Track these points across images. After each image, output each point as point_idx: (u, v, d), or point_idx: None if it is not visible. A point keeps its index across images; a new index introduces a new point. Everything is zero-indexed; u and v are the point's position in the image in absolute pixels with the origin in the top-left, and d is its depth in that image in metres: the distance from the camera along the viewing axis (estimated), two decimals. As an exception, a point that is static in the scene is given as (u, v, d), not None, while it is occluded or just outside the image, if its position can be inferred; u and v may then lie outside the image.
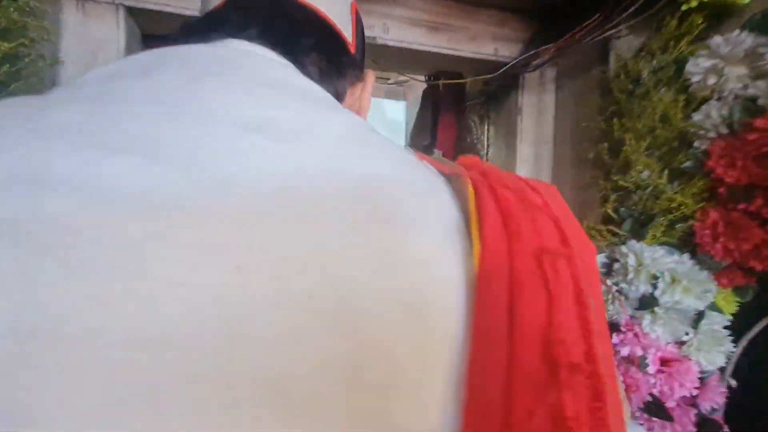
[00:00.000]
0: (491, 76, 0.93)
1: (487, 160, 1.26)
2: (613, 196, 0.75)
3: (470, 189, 0.19)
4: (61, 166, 0.15)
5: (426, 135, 1.56)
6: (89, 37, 0.75)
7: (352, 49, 0.32)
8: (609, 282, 0.73)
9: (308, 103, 0.21)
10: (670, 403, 0.69)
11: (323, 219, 0.16)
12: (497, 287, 0.16)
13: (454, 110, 1.40)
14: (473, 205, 0.18)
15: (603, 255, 0.75)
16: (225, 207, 0.15)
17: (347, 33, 0.31)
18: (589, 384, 0.15)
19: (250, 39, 0.25)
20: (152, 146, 0.16)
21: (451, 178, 0.21)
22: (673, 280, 0.68)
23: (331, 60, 0.29)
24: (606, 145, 0.76)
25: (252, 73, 0.22)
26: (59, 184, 0.14)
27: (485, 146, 1.26)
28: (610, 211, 0.75)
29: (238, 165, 0.16)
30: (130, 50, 0.79)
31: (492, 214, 0.18)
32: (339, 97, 0.29)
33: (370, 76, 0.34)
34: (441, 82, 1.20)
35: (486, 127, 1.25)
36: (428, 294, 0.16)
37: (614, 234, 0.74)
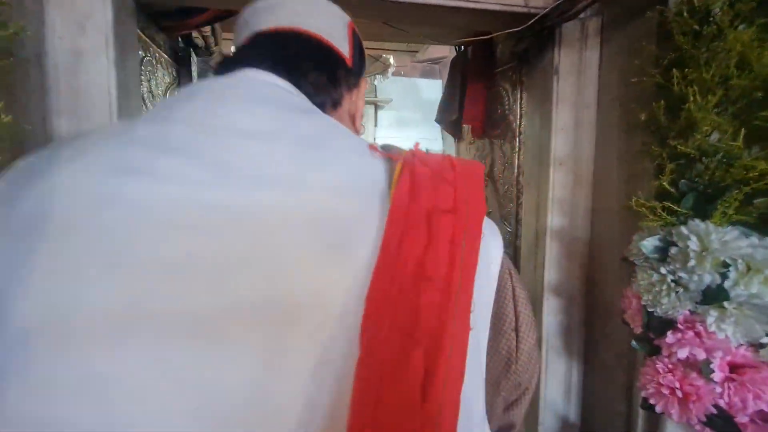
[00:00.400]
0: (522, 28, 0.79)
1: (520, 132, 1.12)
2: (670, 166, 0.61)
3: (398, 167, 0.28)
4: (140, 160, 0.25)
5: (454, 109, 1.42)
6: (76, 9, 0.70)
7: (349, 63, 0.41)
8: (663, 270, 0.60)
9: (291, 113, 0.31)
10: (741, 418, 0.56)
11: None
12: (395, 230, 0.25)
13: (483, 79, 1.26)
14: (395, 178, 0.27)
15: (656, 237, 0.62)
16: (234, 180, 0.25)
17: (344, 50, 0.41)
18: (440, 289, 0.24)
19: (263, 69, 0.35)
20: (188, 150, 0.26)
21: (391, 160, 0.29)
22: (749, 269, 0.54)
23: (329, 75, 0.38)
24: (662, 103, 0.62)
25: (252, 94, 0.32)
26: (141, 173, 0.25)
27: (518, 116, 1.12)
28: (666, 183, 0.61)
29: (238, 159, 0.26)
30: (119, 22, 0.74)
31: (405, 184, 0.27)
32: (336, 103, 0.39)
33: (364, 82, 0.45)
34: (467, 40, 1.06)
35: (519, 95, 1.10)
36: (353, 239, 0.25)
37: (671, 212, 0.61)
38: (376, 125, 4.32)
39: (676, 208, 0.60)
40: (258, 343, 0.22)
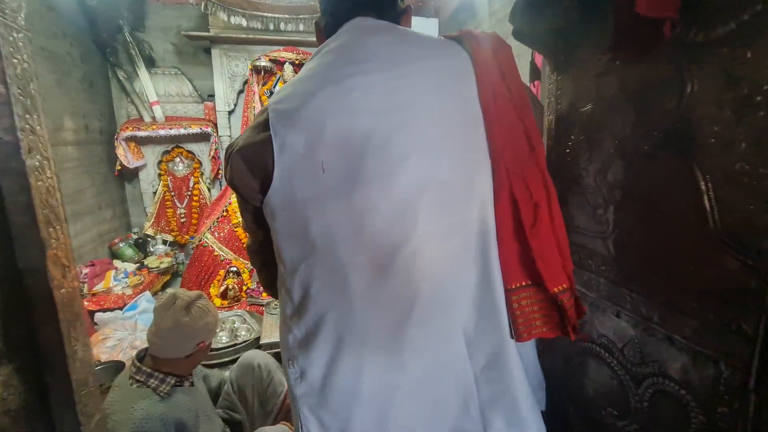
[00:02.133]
0: None
1: None
2: None
3: (467, 46, 0.71)
4: (352, 67, 0.68)
5: None
6: None
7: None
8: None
9: (404, 34, 0.72)
10: None
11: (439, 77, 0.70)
12: (482, 68, 0.69)
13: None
14: (468, 46, 0.70)
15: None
16: (419, 80, 0.67)
17: None
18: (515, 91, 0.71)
19: (368, 15, 0.72)
20: (376, 75, 0.66)
21: (459, 37, 0.73)
22: None
23: (400, 10, 0.76)
24: None
25: (392, 33, 0.71)
26: (355, 73, 0.67)
27: None
28: None
29: (393, 55, 0.69)
30: None
31: (480, 50, 0.70)
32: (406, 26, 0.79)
33: (410, 10, 0.80)
34: None
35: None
36: (465, 74, 0.70)
37: None
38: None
39: None
40: (454, 151, 0.68)
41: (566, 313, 0.67)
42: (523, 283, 0.68)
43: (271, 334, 2.09)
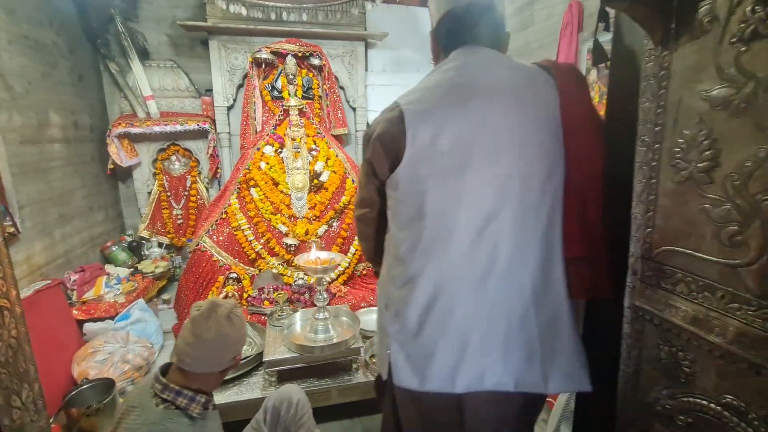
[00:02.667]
0: None
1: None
2: None
3: (553, 72, 0.92)
4: (469, 77, 0.92)
5: None
6: None
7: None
8: None
9: (507, 62, 0.95)
10: None
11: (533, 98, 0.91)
12: (564, 87, 0.90)
13: None
14: (554, 75, 0.91)
15: None
16: (515, 97, 0.89)
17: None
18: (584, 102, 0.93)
19: (483, 45, 0.95)
20: (484, 91, 0.89)
21: (548, 67, 0.95)
22: None
23: (503, 41, 1.00)
24: None
25: (495, 59, 0.94)
26: (472, 82, 0.91)
27: None
28: None
29: (503, 83, 0.91)
30: None
31: (563, 76, 0.91)
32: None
33: (508, 37, 1.02)
34: None
35: None
36: (550, 97, 0.90)
37: None
38: (366, 69, 3.63)
39: None
40: (537, 154, 0.88)
41: (599, 276, 0.90)
42: (577, 255, 0.90)
43: (275, 350, 1.91)
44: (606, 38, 0.95)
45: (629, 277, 0.85)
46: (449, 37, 0.98)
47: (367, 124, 3.64)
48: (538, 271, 0.90)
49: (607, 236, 0.88)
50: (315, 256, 2.00)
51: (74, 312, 2.42)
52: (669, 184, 0.73)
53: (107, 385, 1.93)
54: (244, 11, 2.99)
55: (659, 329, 0.79)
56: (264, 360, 1.85)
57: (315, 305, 2.43)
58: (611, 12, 0.87)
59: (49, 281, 2.24)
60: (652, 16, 0.69)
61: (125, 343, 2.29)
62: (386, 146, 0.90)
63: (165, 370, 1.18)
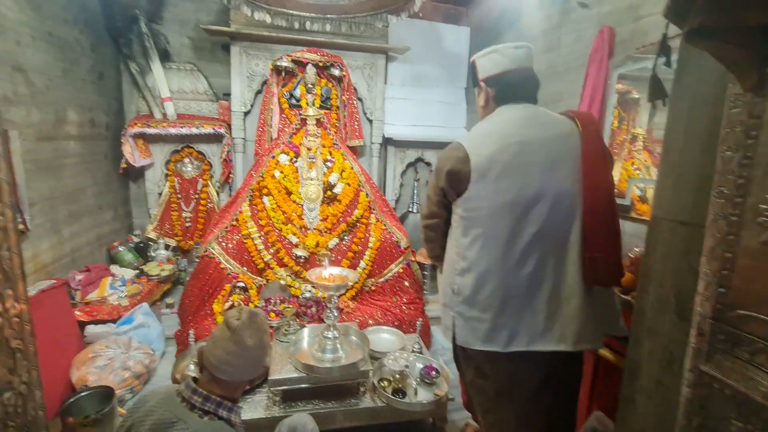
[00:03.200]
0: None
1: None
2: None
3: (577, 121, 1.28)
4: (517, 129, 1.26)
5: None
6: None
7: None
8: None
9: (545, 114, 1.32)
10: None
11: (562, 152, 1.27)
12: (586, 138, 1.24)
13: None
14: (577, 122, 1.28)
15: None
16: (544, 148, 1.24)
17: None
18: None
19: (527, 101, 1.33)
20: (520, 139, 1.24)
21: (573, 117, 1.31)
22: None
23: (536, 98, 1.39)
24: None
25: (538, 114, 1.31)
26: (519, 134, 1.25)
27: None
28: None
29: (542, 130, 1.27)
30: None
31: (584, 123, 1.27)
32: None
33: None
34: None
35: None
36: (576, 141, 1.25)
37: None
38: (385, 82, 3.61)
39: None
40: (567, 181, 1.22)
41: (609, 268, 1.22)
42: (595, 254, 1.20)
43: (281, 368, 1.84)
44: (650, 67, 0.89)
45: (693, 338, 0.76)
46: (504, 92, 1.31)
47: (383, 136, 3.61)
48: (567, 264, 1.24)
49: (614, 241, 1.21)
50: (328, 272, 1.94)
51: (77, 313, 2.37)
52: (752, 242, 0.66)
53: (106, 393, 1.87)
54: (268, 19, 2.98)
55: (732, 401, 0.71)
56: (269, 378, 1.78)
57: (322, 319, 2.37)
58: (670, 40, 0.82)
59: (54, 281, 2.20)
60: (746, 59, 0.62)
61: (127, 348, 2.23)
62: (456, 179, 1.24)
63: (195, 381, 1.16)
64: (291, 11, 2.98)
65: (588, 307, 1.23)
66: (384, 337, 2.37)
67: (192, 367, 1.91)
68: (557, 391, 1.28)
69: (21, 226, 2.04)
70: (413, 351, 2.22)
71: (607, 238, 1.19)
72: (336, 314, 1.91)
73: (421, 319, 2.44)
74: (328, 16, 3.09)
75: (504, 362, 1.25)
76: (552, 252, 1.21)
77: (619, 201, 2.10)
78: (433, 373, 1.97)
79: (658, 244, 0.79)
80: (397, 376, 1.92)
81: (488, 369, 1.30)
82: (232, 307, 2.50)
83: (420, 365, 2.09)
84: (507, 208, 1.19)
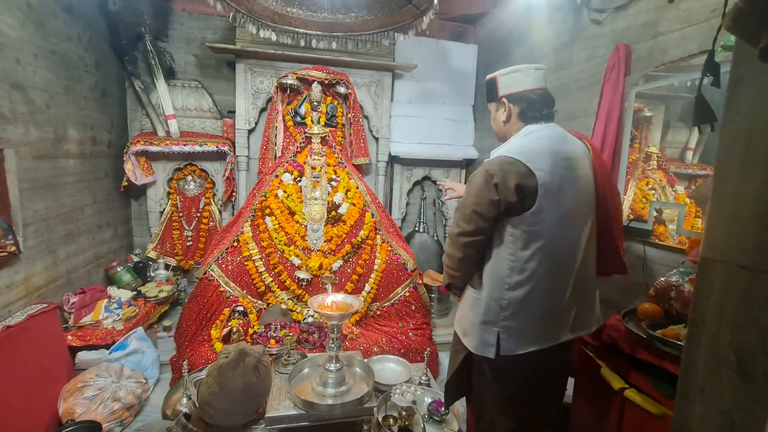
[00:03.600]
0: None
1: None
2: None
3: (589, 145, 1.48)
4: (551, 149, 1.34)
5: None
6: None
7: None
8: None
9: (566, 134, 1.43)
10: None
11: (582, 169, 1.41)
12: (597, 160, 1.45)
13: None
14: (590, 146, 1.47)
15: None
16: (580, 163, 1.38)
17: None
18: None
19: (550, 121, 1.43)
20: (566, 156, 1.34)
21: (581, 138, 1.49)
22: None
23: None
24: None
25: (563, 134, 1.41)
26: (554, 154, 1.32)
27: None
28: None
29: (569, 148, 1.38)
30: None
31: (593, 149, 1.48)
32: None
33: None
34: None
35: None
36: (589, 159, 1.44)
37: None
38: (392, 99, 3.55)
39: None
40: (589, 200, 1.41)
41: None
42: (606, 251, 1.50)
43: (279, 403, 1.71)
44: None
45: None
46: (528, 110, 1.39)
47: (389, 154, 3.53)
48: (587, 284, 1.43)
49: (621, 244, 1.51)
50: (331, 300, 1.83)
51: (69, 338, 2.26)
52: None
53: (92, 428, 1.75)
54: (273, 36, 2.94)
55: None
56: (266, 416, 1.65)
57: (324, 347, 2.24)
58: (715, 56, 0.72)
59: (45, 305, 2.10)
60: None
61: (118, 377, 2.12)
62: (524, 193, 1.25)
63: (187, 417, 1.09)
64: (297, 29, 2.94)
65: (596, 296, 1.50)
66: (390, 367, 2.23)
67: (185, 401, 1.79)
68: (556, 378, 1.53)
69: (12, 248, 1.96)
70: (420, 383, 2.08)
71: (617, 236, 1.48)
72: (339, 344, 1.79)
73: (429, 348, 2.31)
74: (334, 33, 3.05)
75: (532, 359, 1.35)
76: (586, 254, 1.38)
77: (640, 225, 1.99)
78: (443, 409, 1.83)
79: (713, 290, 0.68)
80: (404, 412, 1.78)
81: (520, 367, 1.38)
82: (230, 333, 2.38)
83: (428, 399, 1.95)
84: (566, 220, 1.30)
